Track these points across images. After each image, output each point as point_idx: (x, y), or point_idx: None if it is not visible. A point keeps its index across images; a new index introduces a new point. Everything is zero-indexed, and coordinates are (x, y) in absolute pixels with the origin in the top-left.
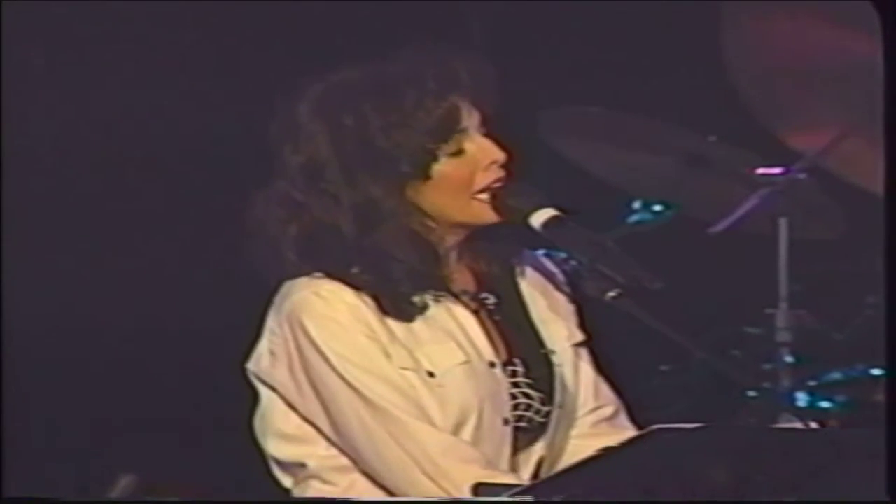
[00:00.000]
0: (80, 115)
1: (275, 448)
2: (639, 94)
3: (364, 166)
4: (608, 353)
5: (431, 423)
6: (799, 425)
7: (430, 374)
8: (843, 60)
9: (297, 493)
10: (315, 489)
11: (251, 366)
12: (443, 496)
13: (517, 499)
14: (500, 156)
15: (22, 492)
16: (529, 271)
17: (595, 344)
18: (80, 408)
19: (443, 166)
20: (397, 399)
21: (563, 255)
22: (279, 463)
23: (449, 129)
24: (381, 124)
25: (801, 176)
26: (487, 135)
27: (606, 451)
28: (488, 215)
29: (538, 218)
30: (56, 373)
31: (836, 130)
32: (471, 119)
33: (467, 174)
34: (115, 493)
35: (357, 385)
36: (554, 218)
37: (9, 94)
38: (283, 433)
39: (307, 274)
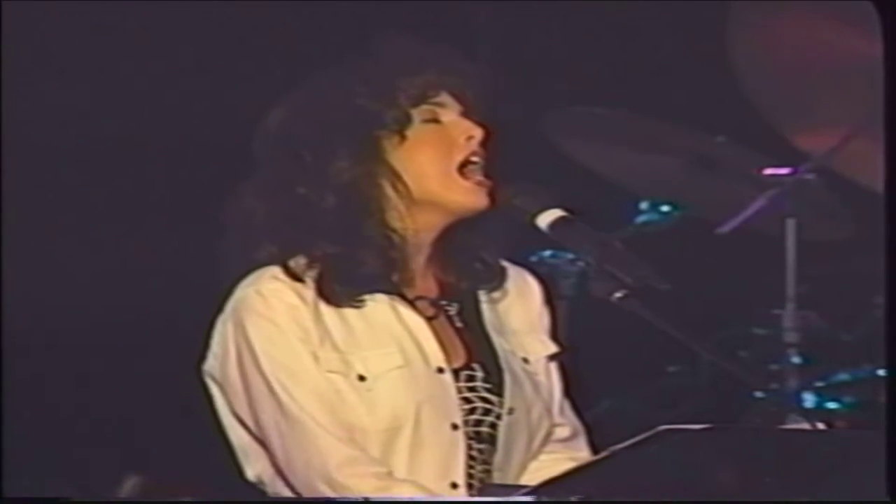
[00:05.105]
0: (79, 113)
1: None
2: (646, 94)
3: (346, 134)
4: (615, 354)
5: (349, 431)
6: (806, 426)
7: (361, 378)
8: (851, 61)
9: None
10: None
11: (205, 366)
12: None
13: (521, 499)
14: (477, 131)
15: (22, 492)
16: (506, 282)
17: (602, 344)
18: (80, 408)
19: (418, 130)
20: (315, 408)
21: (570, 255)
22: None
23: (423, 96)
24: (365, 90)
25: (809, 177)
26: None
27: (614, 452)
28: (471, 200)
29: (545, 219)
30: (56, 372)
31: (843, 131)
32: (449, 100)
33: (444, 144)
34: (120, 494)
35: (278, 390)
36: (561, 219)
37: (9, 94)
38: (235, 445)
39: (272, 255)
